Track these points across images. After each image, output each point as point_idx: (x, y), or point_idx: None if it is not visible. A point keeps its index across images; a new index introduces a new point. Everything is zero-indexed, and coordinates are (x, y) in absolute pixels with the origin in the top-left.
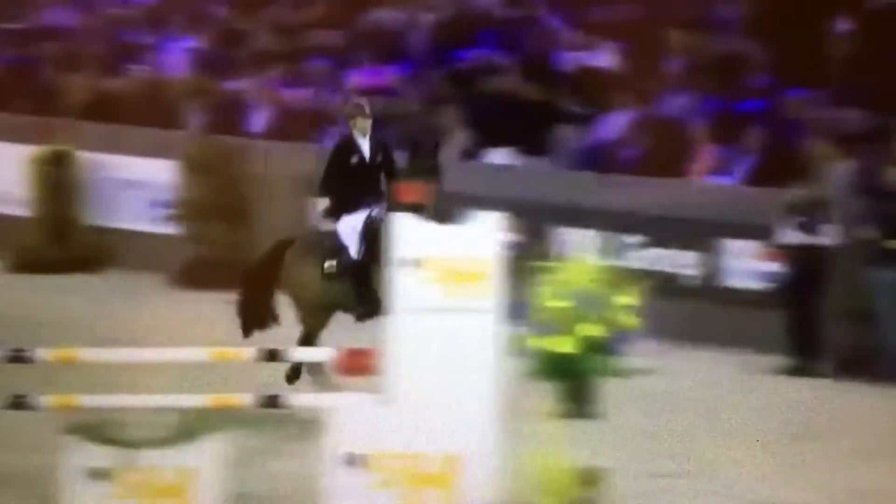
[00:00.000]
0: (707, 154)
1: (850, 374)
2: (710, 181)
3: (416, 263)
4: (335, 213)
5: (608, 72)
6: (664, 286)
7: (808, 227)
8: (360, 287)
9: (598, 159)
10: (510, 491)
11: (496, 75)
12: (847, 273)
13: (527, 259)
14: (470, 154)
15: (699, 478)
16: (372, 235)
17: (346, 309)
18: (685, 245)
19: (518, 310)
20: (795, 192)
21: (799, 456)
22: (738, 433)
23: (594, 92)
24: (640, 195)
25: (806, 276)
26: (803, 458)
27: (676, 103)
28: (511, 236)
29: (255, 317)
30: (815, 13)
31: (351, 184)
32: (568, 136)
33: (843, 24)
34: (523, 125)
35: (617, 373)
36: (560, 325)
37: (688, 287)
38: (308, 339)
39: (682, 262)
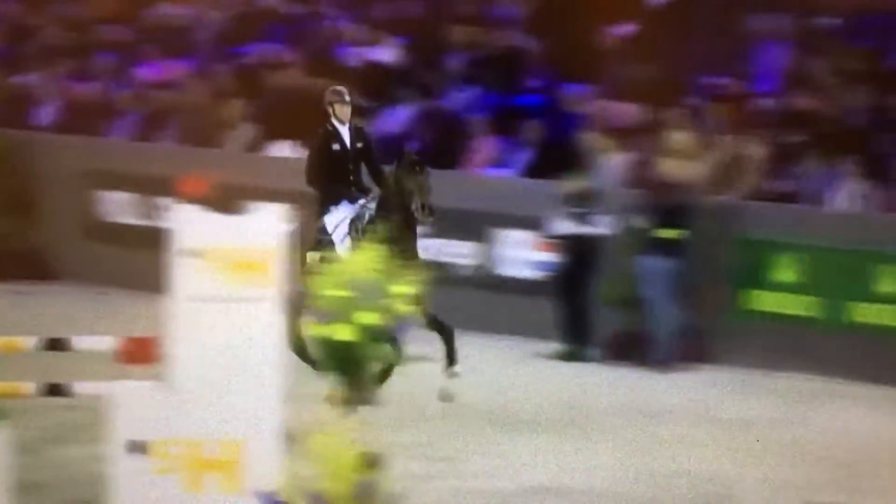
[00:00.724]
0: (487, 147)
1: (619, 359)
2: (489, 173)
3: (197, 253)
4: (323, 204)
5: (391, 66)
6: (442, 276)
7: (582, 218)
8: None
9: (380, 152)
10: (292, 476)
11: (281, 70)
12: (619, 262)
13: (308, 249)
14: (254, 147)
15: (478, 459)
16: (360, 229)
17: None
18: (463, 235)
19: (299, 298)
20: (571, 184)
21: (571, 439)
22: (514, 416)
23: (377, 86)
24: None
25: (579, 265)
26: (575, 440)
27: (457, 97)
28: (292, 227)
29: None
30: (592, 11)
31: (334, 172)
32: None
33: (618, 22)
34: (307, 118)
35: (394, 360)
36: (339, 313)
37: (465, 276)
38: (293, 329)
39: (460, 252)
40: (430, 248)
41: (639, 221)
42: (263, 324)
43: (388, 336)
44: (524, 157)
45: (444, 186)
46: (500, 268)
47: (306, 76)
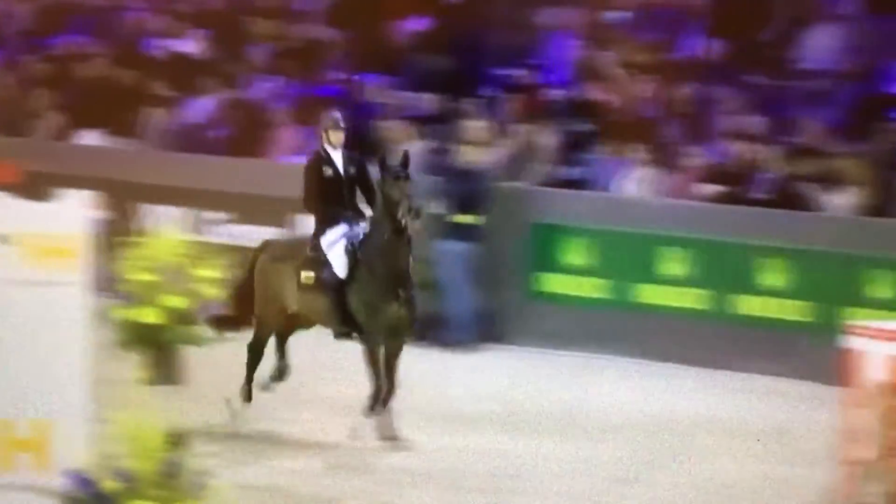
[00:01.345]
0: (289, 136)
1: (417, 339)
2: (291, 161)
3: (5, 238)
4: (318, 226)
5: (195, 57)
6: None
7: None
8: (338, 305)
9: (186, 140)
10: (101, 455)
11: (87, 61)
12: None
13: (116, 235)
14: (62, 136)
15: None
16: (355, 255)
17: (318, 323)
18: (268, 221)
19: (106, 282)
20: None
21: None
22: (316, 396)
23: (182, 77)
24: (224, 174)
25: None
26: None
27: (260, 88)
28: (101, 213)
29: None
30: (389, 4)
31: (328, 197)
32: (157, 118)
33: (414, 15)
34: (114, 108)
35: (199, 341)
36: (145, 296)
37: None
38: (255, 345)
39: (263, 237)
40: (235, 233)
41: (436, 207)
42: (72, 307)
43: (193, 318)
44: None
45: (248, 174)
46: None
47: (112, 67)
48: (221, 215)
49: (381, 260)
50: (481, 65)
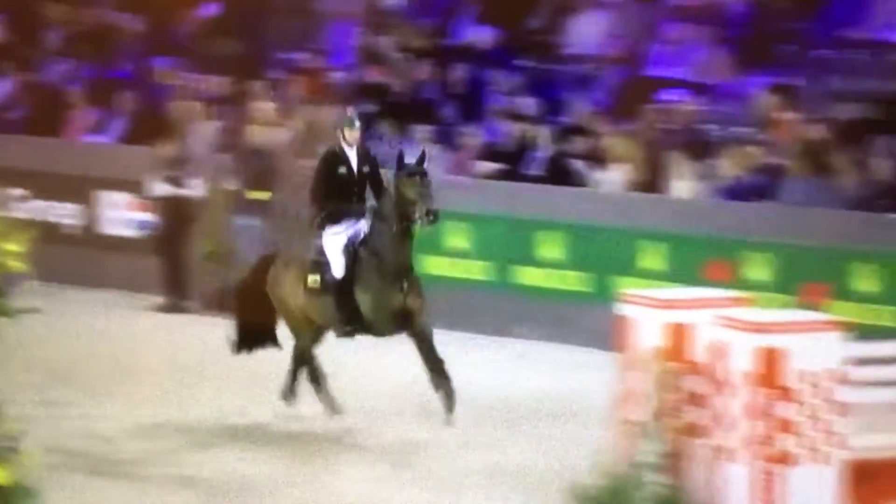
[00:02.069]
0: (84, 116)
1: (216, 310)
2: (87, 140)
3: None
4: (322, 224)
5: None
6: (48, 234)
7: (176, 181)
8: (342, 304)
9: None
10: None
11: None
12: (212, 221)
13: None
14: None
15: (88, 403)
16: (356, 252)
17: (328, 324)
18: (67, 197)
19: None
20: (164, 149)
21: (178, 382)
22: (121, 363)
23: None
24: (23, 153)
25: (174, 224)
26: (183, 383)
27: (55, 70)
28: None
29: (248, 336)
30: None
31: (337, 194)
32: None
33: (204, 1)
34: None
35: (8, 312)
36: None
37: (70, 235)
38: (300, 354)
39: (65, 213)
40: (36, 209)
41: (230, 183)
42: None
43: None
44: (119, 125)
45: (46, 153)
46: (103, 227)
47: None
48: (20, 191)
49: (386, 255)
50: (268, 49)
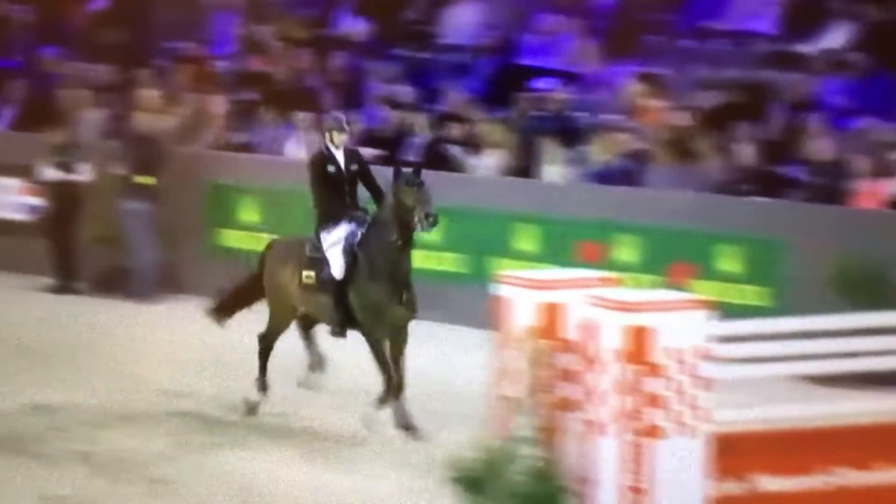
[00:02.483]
0: None
1: (104, 291)
2: None
3: None
4: (319, 224)
5: None
6: None
7: (65, 166)
8: (337, 304)
9: None
10: None
11: None
12: (101, 205)
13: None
14: None
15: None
16: (354, 255)
17: (322, 321)
18: None
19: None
20: (53, 136)
21: (63, 363)
22: (14, 343)
23: None
24: None
25: (64, 207)
26: (67, 364)
27: None
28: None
29: (226, 308)
30: None
31: (331, 195)
32: None
33: None
34: None
35: None
36: None
37: None
38: (267, 336)
39: None
40: None
41: (118, 169)
42: None
43: None
44: (9, 112)
45: None
46: None
47: None
48: None
49: (385, 262)
50: (154, 38)
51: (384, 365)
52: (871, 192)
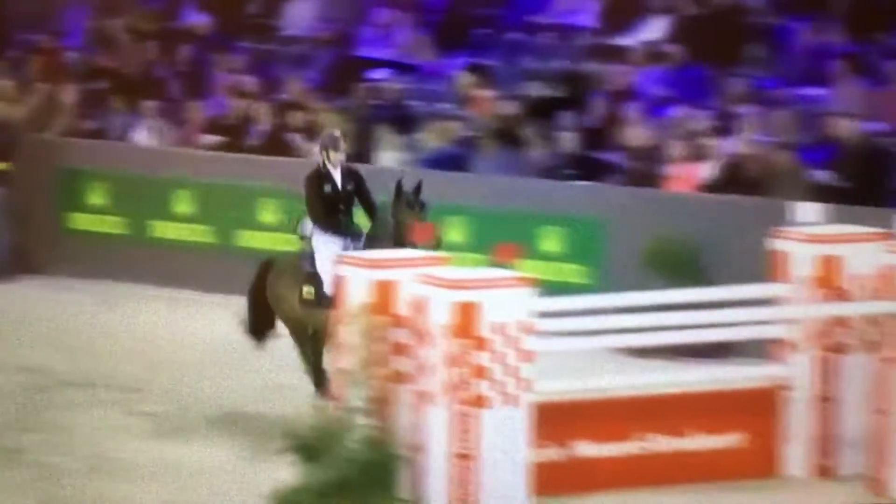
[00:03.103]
0: None
1: None
2: None
3: None
4: (317, 240)
5: None
6: None
7: None
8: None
9: None
10: None
11: None
12: None
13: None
14: None
15: None
16: None
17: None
18: None
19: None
20: None
21: None
22: None
23: None
24: None
25: None
26: None
27: None
28: None
29: (258, 329)
30: None
31: (327, 211)
32: None
33: None
34: None
35: None
36: None
37: None
38: (304, 354)
39: None
40: None
41: None
42: None
43: None
44: None
45: None
46: None
47: None
48: None
49: None
50: (8, 30)
51: None
52: (684, 176)
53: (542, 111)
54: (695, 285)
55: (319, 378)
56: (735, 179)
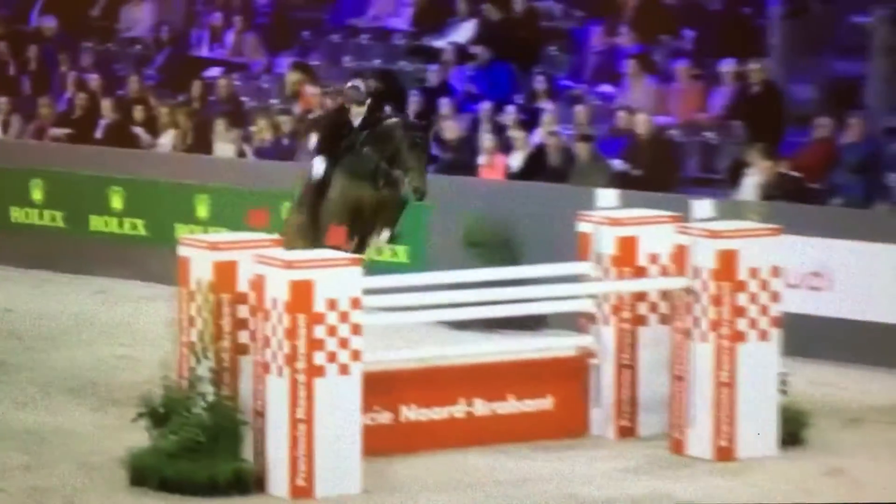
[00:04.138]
0: None
1: None
2: None
3: None
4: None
5: None
6: None
7: None
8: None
9: None
10: None
11: None
12: None
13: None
14: None
15: None
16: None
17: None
18: None
19: None
20: None
21: None
22: None
23: None
24: None
25: None
26: None
27: None
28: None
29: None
30: None
31: (333, 140)
32: None
33: None
34: None
35: None
36: None
37: None
38: None
39: None
40: None
41: None
42: None
43: None
44: None
45: None
46: None
47: None
48: None
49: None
50: None
51: None
52: (493, 165)
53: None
54: (509, 264)
55: None
56: (540, 168)
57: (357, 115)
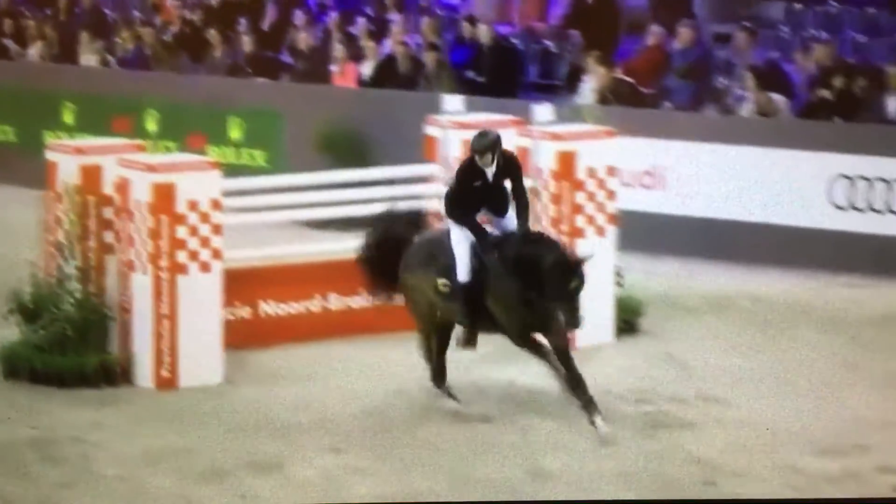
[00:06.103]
0: None
1: None
2: None
3: None
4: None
5: None
6: None
7: None
8: (467, 311)
9: None
10: None
11: None
12: None
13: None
14: None
15: None
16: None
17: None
18: None
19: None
20: None
21: None
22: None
23: None
24: None
25: None
26: None
27: None
28: None
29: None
30: None
31: (465, 207)
32: None
33: None
34: None
35: None
36: None
37: None
38: (428, 350)
39: None
40: None
41: None
42: None
43: None
44: None
45: None
46: None
47: None
48: None
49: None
50: None
51: (548, 361)
52: (345, 73)
53: (222, 17)
54: (359, 167)
55: (440, 370)
56: (390, 76)
57: (485, 165)
